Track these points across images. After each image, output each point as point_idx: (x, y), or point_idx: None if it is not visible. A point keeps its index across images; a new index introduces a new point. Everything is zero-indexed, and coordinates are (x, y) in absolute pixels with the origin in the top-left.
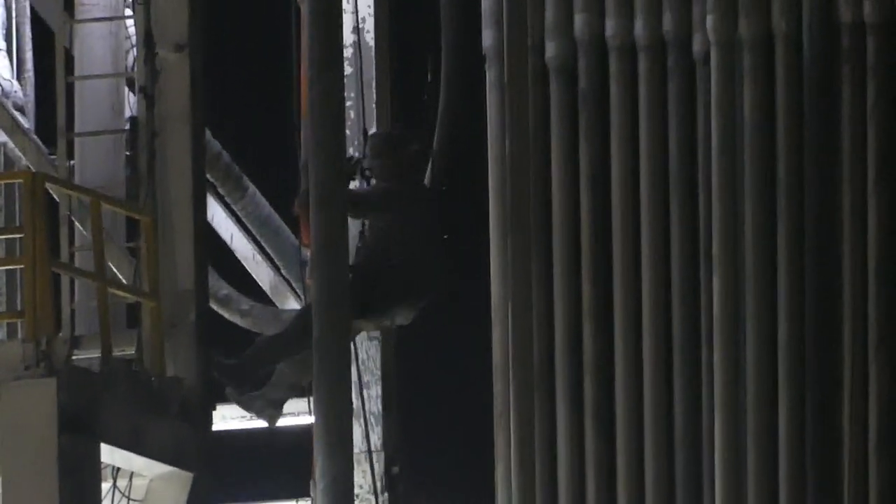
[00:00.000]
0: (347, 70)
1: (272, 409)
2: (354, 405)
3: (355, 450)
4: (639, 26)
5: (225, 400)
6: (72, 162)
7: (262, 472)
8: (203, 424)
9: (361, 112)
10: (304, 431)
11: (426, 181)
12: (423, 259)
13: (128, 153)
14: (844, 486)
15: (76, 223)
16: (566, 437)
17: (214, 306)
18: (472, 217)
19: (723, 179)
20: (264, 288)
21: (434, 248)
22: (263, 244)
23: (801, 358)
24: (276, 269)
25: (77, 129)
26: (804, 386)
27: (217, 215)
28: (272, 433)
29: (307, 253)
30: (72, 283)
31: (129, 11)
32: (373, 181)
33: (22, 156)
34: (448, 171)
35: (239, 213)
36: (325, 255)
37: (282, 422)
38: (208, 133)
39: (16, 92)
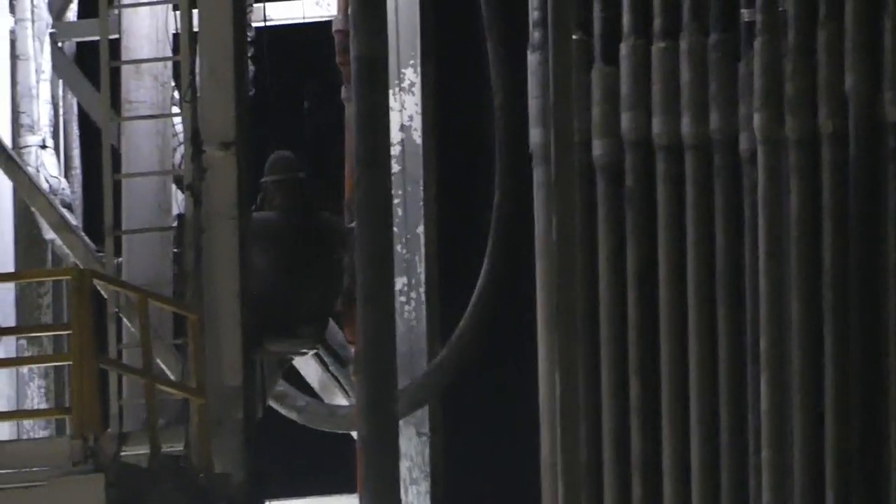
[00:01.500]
0: (395, 168)
1: None
2: (403, 502)
3: None
4: (685, 125)
5: (272, 496)
6: (119, 259)
7: None
8: None
9: (408, 210)
10: None
11: None
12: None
13: (175, 250)
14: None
15: (124, 320)
16: None
17: (270, 402)
18: (521, 313)
19: (769, 278)
20: (312, 385)
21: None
22: None
23: (847, 460)
24: (324, 365)
25: (124, 226)
26: None
27: None
28: None
29: (353, 350)
30: (120, 379)
31: (175, 109)
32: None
33: (69, 253)
34: (499, 268)
35: None
36: (370, 352)
37: None
38: None
39: (63, 189)
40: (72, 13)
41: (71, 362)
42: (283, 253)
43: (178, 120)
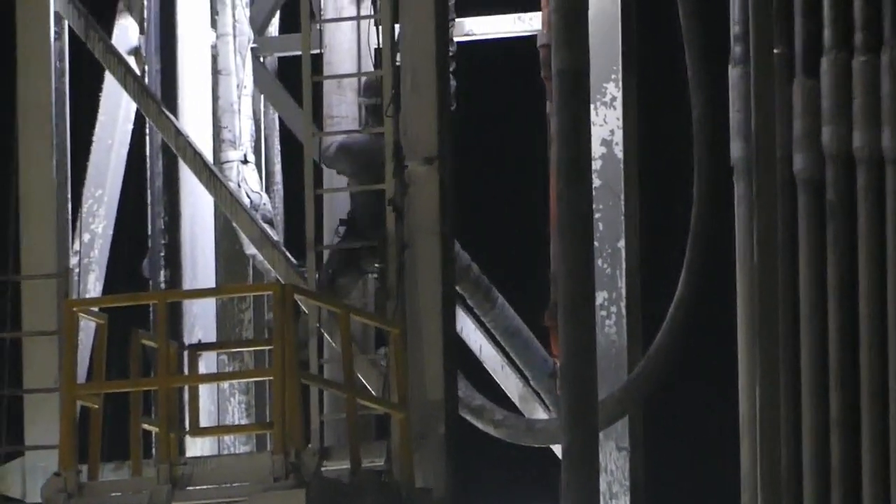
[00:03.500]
0: (596, 182)
1: None
2: None
3: None
4: (886, 138)
5: None
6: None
7: None
8: None
9: (609, 224)
10: None
11: None
12: None
13: (377, 265)
14: None
15: (325, 335)
16: None
17: (467, 416)
18: (720, 325)
19: None
20: (513, 398)
21: None
22: (512, 355)
23: None
24: (525, 379)
25: (325, 241)
26: None
27: (466, 326)
28: None
29: (556, 363)
30: (321, 394)
31: None
32: None
33: (271, 268)
34: (698, 281)
35: (488, 324)
36: (574, 367)
37: None
38: (457, 245)
39: (265, 205)
40: (273, 28)
41: (272, 377)
42: None
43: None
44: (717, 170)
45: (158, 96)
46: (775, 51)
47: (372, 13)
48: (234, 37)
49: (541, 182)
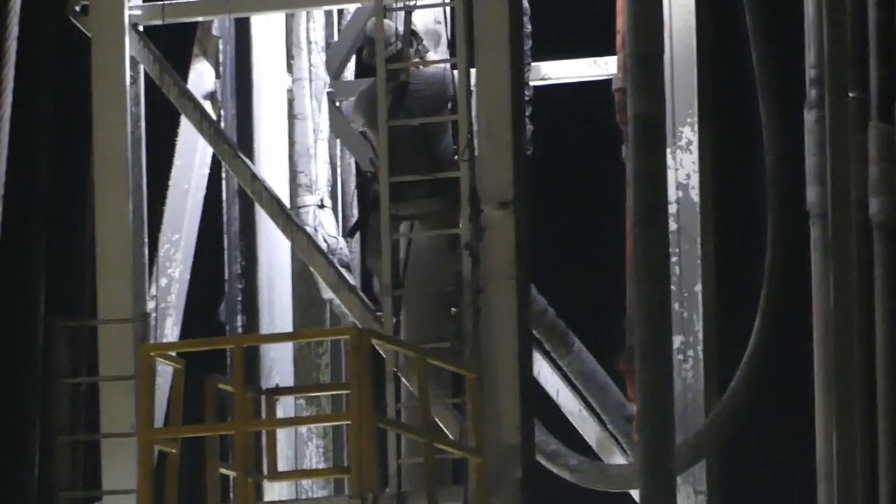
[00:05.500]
0: (672, 226)
1: None
2: None
3: None
4: None
5: None
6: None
7: None
8: None
9: (685, 268)
10: None
11: None
12: None
13: (453, 309)
14: None
15: (402, 379)
16: None
17: (542, 461)
18: (796, 369)
19: None
20: (590, 443)
21: None
22: (589, 399)
23: None
24: (602, 424)
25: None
26: None
27: (543, 371)
28: None
29: (633, 408)
30: (398, 438)
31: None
32: None
33: (347, 312)
34: (773, 325)
35: (565, 368)
36: (651, 411)
37: None
38: (533, 289)
39: (341, 248)
40: (349, 72)
41: (350, 422)
42: None
43: None
44: (793, 214)
45: (234, 141)
46: (850, 95)
47: (448, 57)
48: (310, 81)
49: (617, 226)
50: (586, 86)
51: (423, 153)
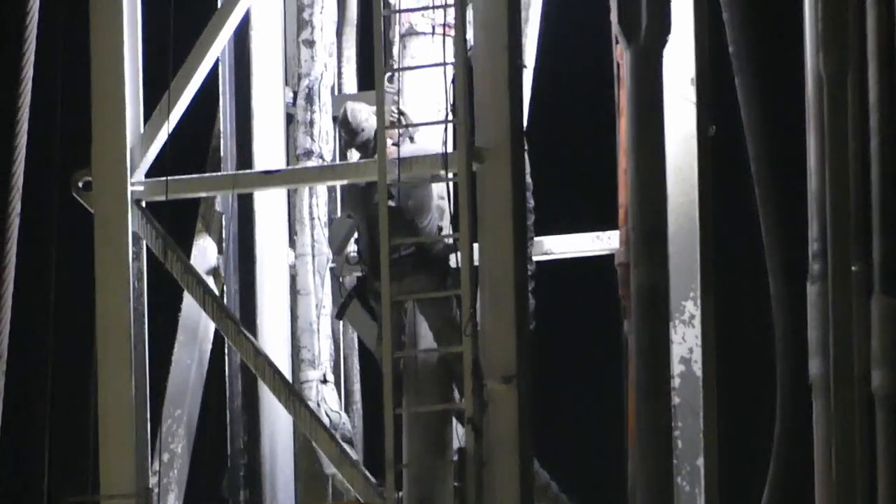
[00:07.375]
0: (675, 400)
1: None
2: None
3: None
4: None
5: None
6: (400, 493)
7: None
8: None
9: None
10: None
11: None
12: None
13: (456, 484)
14: None
15: None
16: None
17: None
18: None
19: None
20: None
21: None
22: None
23: None
24: None
25: (405, 459)
26: None
27: None
28: None
29: None
30: None
31: None
32: None
33: (350, 487)
34: (779, 498)
35: None
36: None
37: None
38: (536, 463)
39: (344, 424)
40: (351, 248)
41: None
42: None
43: None
44: (799, 388)
45: (237, 316)
46: (853, 268)
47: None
48: (313, 257)
49: (618, 400)
50: (589, 260)
51: (404, 232)
